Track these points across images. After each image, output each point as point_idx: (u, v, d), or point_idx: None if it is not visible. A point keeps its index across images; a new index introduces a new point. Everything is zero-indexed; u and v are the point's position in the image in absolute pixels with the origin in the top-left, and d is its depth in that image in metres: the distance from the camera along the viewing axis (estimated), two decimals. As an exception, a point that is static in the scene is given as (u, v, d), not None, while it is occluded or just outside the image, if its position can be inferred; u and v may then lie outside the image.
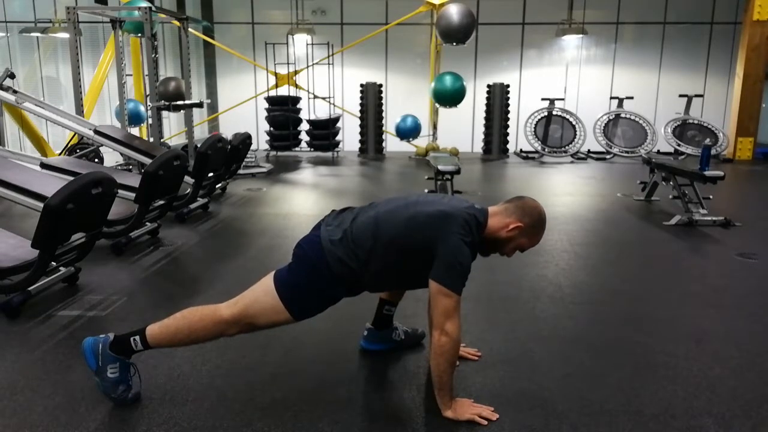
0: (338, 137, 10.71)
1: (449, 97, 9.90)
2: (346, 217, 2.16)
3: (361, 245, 2.06)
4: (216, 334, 2.13)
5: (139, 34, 7.93)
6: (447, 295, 1.96)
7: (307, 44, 11.01)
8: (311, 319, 2.90)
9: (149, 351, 2.12)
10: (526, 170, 9.10)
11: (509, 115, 10.61)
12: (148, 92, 7.26)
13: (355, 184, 7.94)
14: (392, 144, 11.45)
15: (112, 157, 7.77)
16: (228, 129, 11.62)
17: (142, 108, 8.93)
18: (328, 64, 10.60)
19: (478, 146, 11.23)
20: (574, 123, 10.70)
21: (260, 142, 11.61)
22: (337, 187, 7.47)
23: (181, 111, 7.45)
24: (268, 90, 10.63)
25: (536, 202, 2.18)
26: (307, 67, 10.63)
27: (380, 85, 10.55)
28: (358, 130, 10.65)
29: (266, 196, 6.70)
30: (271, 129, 10.46)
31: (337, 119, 10.58)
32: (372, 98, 10.43)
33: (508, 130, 10.69)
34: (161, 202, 4.63)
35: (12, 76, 6.12)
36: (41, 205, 2.90)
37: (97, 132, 6.00)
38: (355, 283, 2.14)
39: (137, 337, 2.09)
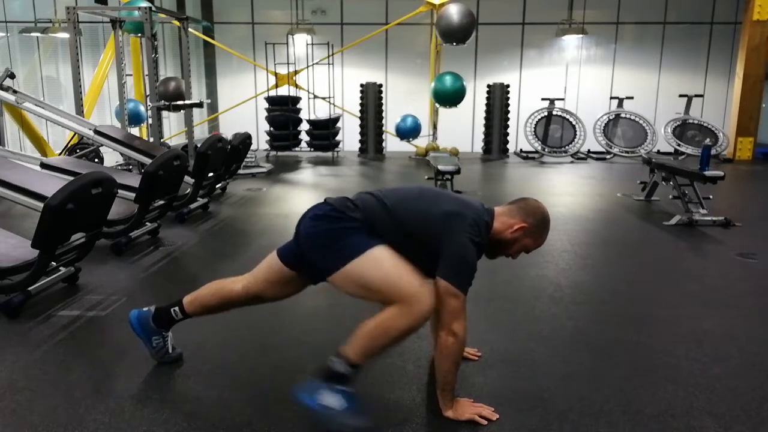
0: (338, 137, 10.71)
1: (449, 97, 9.90)
2: (353, 196, 2.16)
3: (372, 211, 2.04)
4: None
5: (139, 34, 7.93)
6: (455, 295, 1.95)
7: (307, 44, 11.01)
8: (312, 319, 2.91)
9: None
10: (526, 170, 9.10)
11: (509, 115, 10.61)
12: (148, 92, 7.26)
13: (355, 184, 7.94)
14: (392, 144, 11.45)
15: (112, 157, 7.77)
16: (228, 129, 11.61)
17: (142, 108, 8.93)
18: (328, 64, 10.60)
19: (478, 146, 11.24)
20: (574, 123, 10.70)
21: (260, 142, 11.61)
22: (337, 187, 7.47)
23: (181, 111, 7.45)
24: (268, 90, 10.63)
25: (539, 203, 2.18)
26: (307, 67, 10.63)
27: (380, 85, 10.56)
28: (358, 130, 10.66)
29: (266, 196, 6.70)
30: (271, 129, 10.46)
31: (337, 119, 10.58)
32: (372, 98, 10.43)
33: (508, 130, 10.70)
34: (161, 202, 4.63)
35: (12, 76, 6.12)
36: (41, 205, 2.90)
37: (97, 132, 5.99)
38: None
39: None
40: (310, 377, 1.97)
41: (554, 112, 10.74)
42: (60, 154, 7.18)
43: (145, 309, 2.40)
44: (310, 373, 2.01)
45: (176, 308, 2.32)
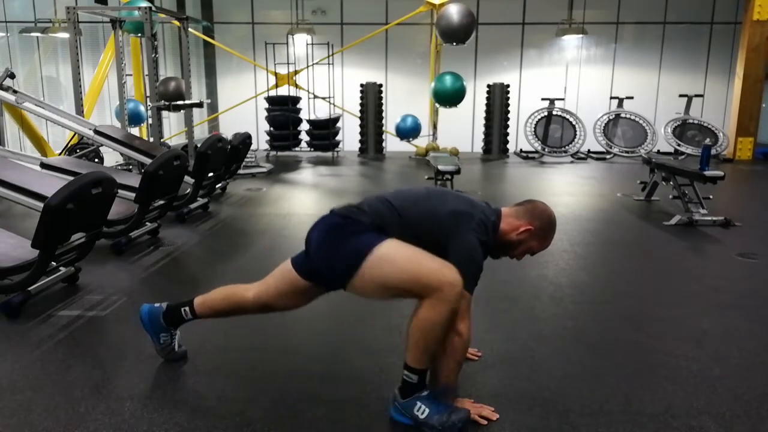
0: (338, 137, 10.71)
1: (449, 97, 9.89)
2: (360, 201, 2.14)
3: (381, 213, 2.04)
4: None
5: (139, 34, 7.92)
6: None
7: (307, 44, 11.01)
8: (311, 319, 2.91)
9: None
10: (526, 170, 9.10)
11: (509, 115, 10.61)
12: (148, 92, 7.25)
13: (355, 184, 7.94)
14: (392, 144, 11.44)
15: (112, 157, 7.77)
16: (228, 129, 11.61)
17: (142, 108, 8.93)
18: (328, 64, 10.60)
19: (478, 146, 11.24)
20: (574, 123, 10.70)
21: (260, 142, 11.61)
22: (337, 187, 7.47)
23: (181, 111, 7.45)
24: (268, 90, 10.63)
25: (546, 206, 2.20)
26: (307, 67, 10.63)
27: (380, 85, 10.55)
28: (358, 130, 10.66)
29: (266, 196, 6.70)
30: (271, 129, 10.46)
31: (337, 119, 10.58)
32: (372, 98, 10.43)
33: (508, 130, 10.69)
34: (161, 202, 4.63)
35: (12, 76, 6.12)
36: (41, 205, 2.90)
37: (97, 132, 5.99)
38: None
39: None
40: (393, 397, 2.03)
41: (554, 112, 10.74)
42: (60, 154, 7.18)
43: (156, 305, 2.41)
44: (393, 393, 2.05)
45: (186, 308, 2.33)
